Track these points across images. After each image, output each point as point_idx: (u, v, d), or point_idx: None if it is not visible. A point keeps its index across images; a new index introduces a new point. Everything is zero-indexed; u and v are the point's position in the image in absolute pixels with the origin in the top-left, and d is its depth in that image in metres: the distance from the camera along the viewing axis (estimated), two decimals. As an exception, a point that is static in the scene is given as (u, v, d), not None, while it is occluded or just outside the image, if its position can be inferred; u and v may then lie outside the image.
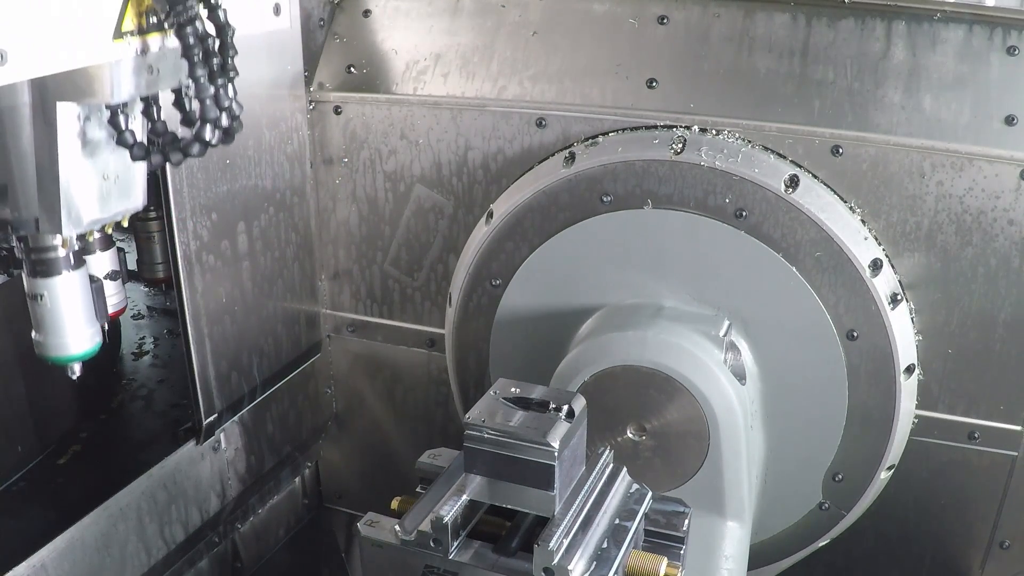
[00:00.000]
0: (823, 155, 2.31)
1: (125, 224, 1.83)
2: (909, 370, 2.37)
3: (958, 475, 2.50)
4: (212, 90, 1.52)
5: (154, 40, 1.52)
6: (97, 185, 1.67)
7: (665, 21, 2.49)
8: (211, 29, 1.51)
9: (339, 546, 3.30)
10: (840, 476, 2.46)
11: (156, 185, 2.23)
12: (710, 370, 2.22)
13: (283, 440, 2.91)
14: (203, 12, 1.49)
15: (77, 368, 1.92)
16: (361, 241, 2.87)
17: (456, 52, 2.65)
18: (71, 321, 1.85)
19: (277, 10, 1.78)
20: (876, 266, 2.29)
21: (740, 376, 2.30)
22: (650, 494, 1.81)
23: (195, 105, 1.54)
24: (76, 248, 1.82)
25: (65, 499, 2.47)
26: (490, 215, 2.59)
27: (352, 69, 2.74)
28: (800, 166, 2.33)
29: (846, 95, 2.32)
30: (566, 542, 1.58)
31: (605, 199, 2.41)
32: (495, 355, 2.67)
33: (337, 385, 3.13)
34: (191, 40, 1.47)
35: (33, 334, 1.87)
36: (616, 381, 2.27)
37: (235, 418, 2.66)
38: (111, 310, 2.38)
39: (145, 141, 1.66)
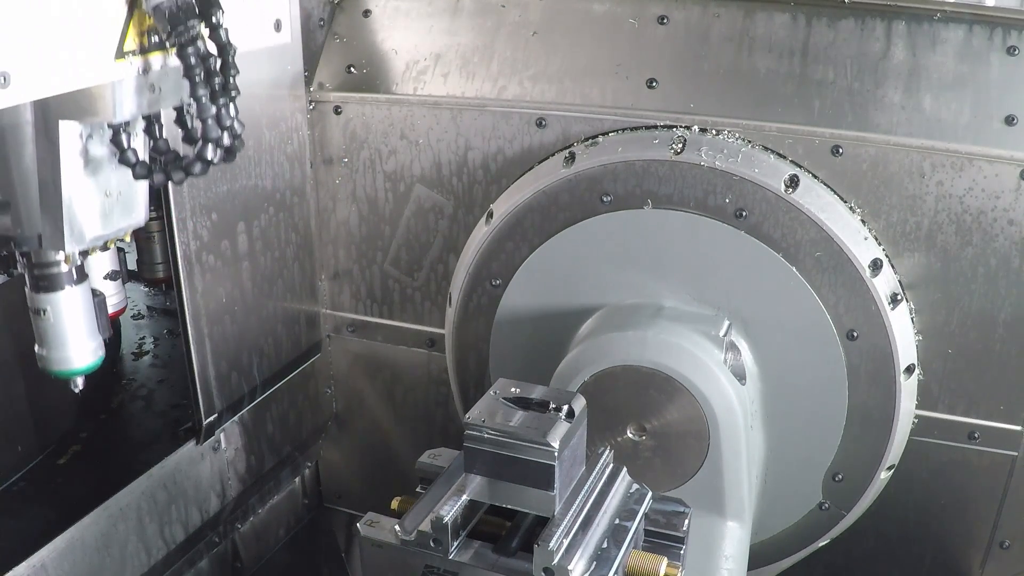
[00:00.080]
0: (823, 155, 2.31)
1: (127, 239, 1.84)
2: (909, 370, 2.37)
3: (958, 475, 2.50)
4: (214, 110, 1.53)
5: (156, 59, 1.53)
6: (99, 202, 1.69)
7: (665, 21, 2.49)
8: (212, 48, 1.52)
9: (339, 546, 3.30)
10: (840, 476, 2.46)
11: (156, 185, 2.23)
12: (710, 370, 2.22)
13: (283, 440, 2.91)
14: (204, 31, 1.50)
15: (80, 382, 1.94)
16: (361, 241, 2.87)
17: (456, 52, 2.65)
18: (74, 335, 1.87)
19: (278, 26, 1.78)
20: (876, 266, 2.29)
21: (740, 376, 2.30)
22: (650, 494, 1.81)
23: (197, 123, 1.55)
24: (79, 263, 1.84)
25: (65, 499, 2.47)
26: (490, 215, 2.59)
27: (352, 69, 2.74)
28: (800, 166, 2.33)
29: (846, 95, 2.32)
30: (566, 542, 1.58)
31: (605, 199, 2.41)
32: (495, 355, 2.67)
33: (337, 385, 3.13)
34: (193, 60, 1.47)
35: (36, 348, 1.89)
36: (616, 381, 2.27)
37: (235, 418, 2.66)
38: (111, 310, 2.38)
39: (147, 159, 1.67)
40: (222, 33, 1.52)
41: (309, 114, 2.75)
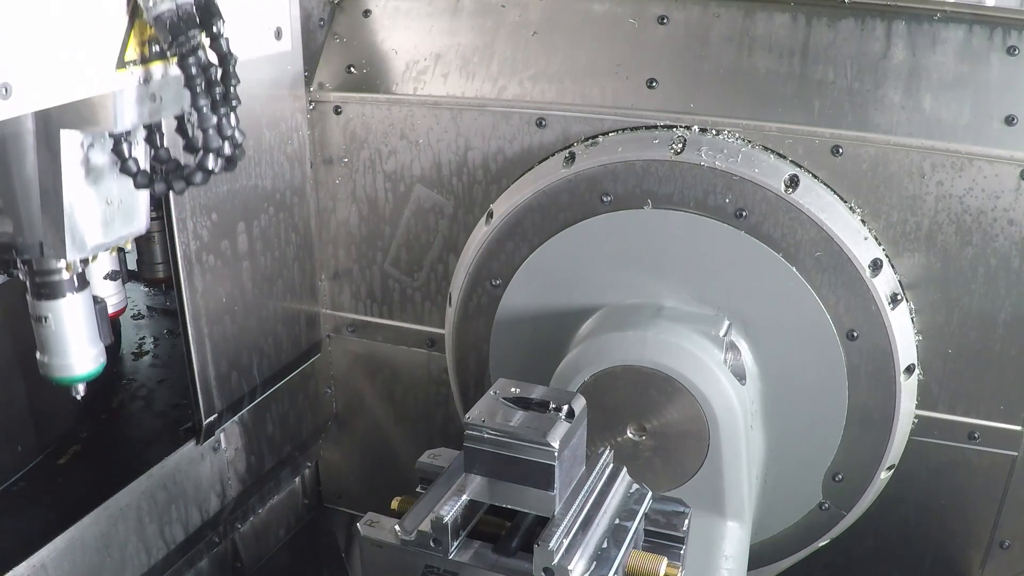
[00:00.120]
0: (823, 155, 2.31)
1: (128, 247, 1.85)
2: (909, 370, 2.37)
3: (958, 475, 2.50)
4: (215, 119, 1.53)
5: (157, 68, 1.53)
6: (101, 210, 1.69)
7: (665, 21, 2.49)
8: (213, 57, 1.52)
9: (339, 546, 3.30)
10: (840, 476, 2.46)
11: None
12: (710, 370, 2.22)
13: (283, 440, 2.91)
14: (205, 41, 1.50)
15: (81, 388, 1.95)
16: (361, 241, 2.87)
17: (456, 52, 2.65)
18: (75, 342, 1.88)
19: (279, 34, 1.79)
20: (876, 266, 2.29)
21: (740, 376, 2.30)
22: (650, 494, 1.81)
23: (198, 132, 1.55)
24: (80, 271, 1.84)
25: (65, 499, 2.47)
26: (490, 215, 2.59)
27: (352, 69, 2.74)
28: (800, 166, 2.33)
29: (846, 95, 2.32)
30: (566, 542, 1.58)
31: (605, 199, 2.41)
32: (495, 355, 2.67)
33: (337, 385, 3.13)
34: (194, 71, 1.47)
35: (37, 355, 1.90)
36: (616, 381, 2.27)
37: (235, 418, 2.66)
38: (111, 310, 2.38)
39: (148, 168, 1.68)
40: (223, 43, 1.52)
41: (309, 114, 2.75)
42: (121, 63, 1.47)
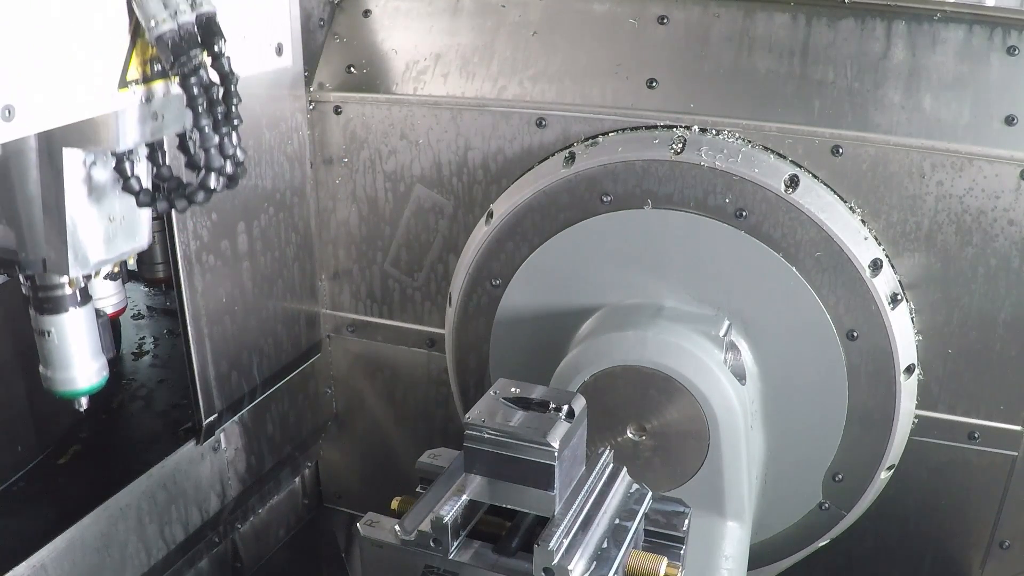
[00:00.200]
0: (823, 155, 2.31)
1: (131, 263, 1.85)
2: (909, 370, 2.37)
3: (958, 475, 2.50)
4: (216, 139, 1.54)
5: (159, 87, 1.54)
6: (103, 227, 1.70)
7: (665, 21, 2.49)
8: (214, 77, 1.52)
9: (339, 546, 3.30)
10: (840, 476, 2.46)
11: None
12: (710, 370, 2.22)
13: (283, 440, 2.91)
14: (207, 59, 1.50)
15: (84, 401, 1.96)
16: (361, 241, 2.87)
17: (456, 52, 2.65)
18: (78, 356, 1.89)
19: (280, 50, 1.79)
20: (876, 266, 2.29)
21: (740, 376, 2.30)
22: (650, 494, 1.81)
23: (199, 151, 1.56)
24: (82, 285, 1.85)
25: (65, 499, 2.47)
26: (490, 215, 2.59)
27: (352, 69, 2.74)
28: (800, 166, 2.33)
29: (846, 95, 2.32)
30: (566, 542, 1.58)
31: (605, 199, 2.41)
32: (495, 355, 2.67)
33: (337, 385, 3.13)
34: (195, 90, 1.48)
35: (40, 368, 1.91)
36: (616, 381, 2.27)
37: (235, 418, 2.66)
38: (111, 310, 2.38)
39: (150, 186, 1.68)
40: (224, 62, 1.52)
41: (309, 114, 2.75)
42: (123, 83, 1.47)
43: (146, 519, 2.38)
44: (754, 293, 2.36)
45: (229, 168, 1.58)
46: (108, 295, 2.46)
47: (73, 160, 1.60)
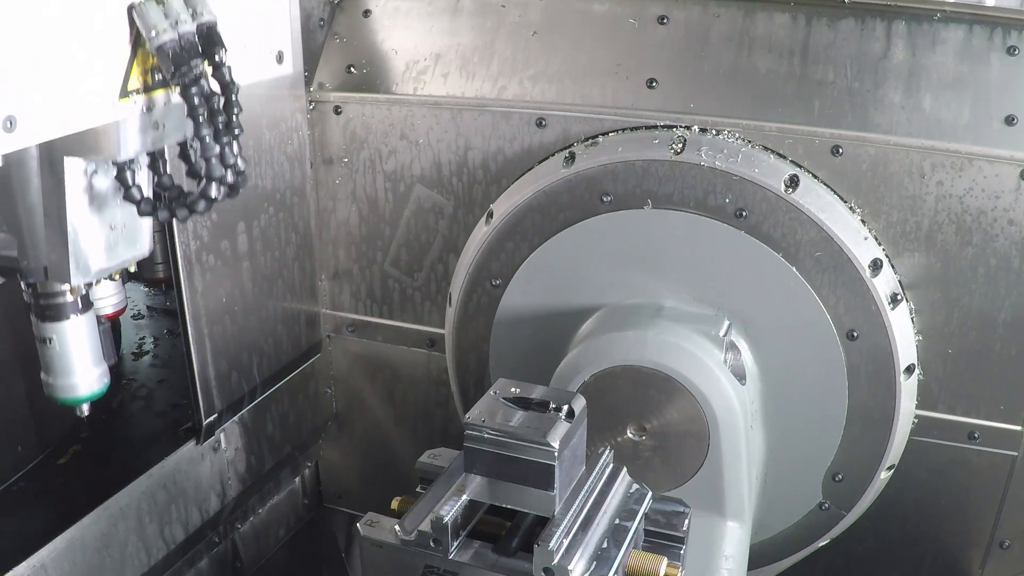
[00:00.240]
0: (823, 155, 2.31)
1: (132, 269, 1.87)
2: (909, 370, 2.37)
3: (958, 475, 2.50)
4: (217, 149, 1.54)
5: (159, 96, 1.54)
6: (104, 235, 1.71)
7: (665, 21, 2.49)
8: (215, 86, 1.52)
9: (339, 546, 3.30)
10: (840, 476, 2.46)
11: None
12: (710, 370, 2.22)
13: (283, 440, 2.91)
14: (207, 69, 1.51)
15: (86, 408, 1.97)
16: (361, 241, 2.87)
17: (456, 52, 2.65)
18: (80, 363, 1.90)
19: (280, 58, 1.80)
20: (876, 266, 2.29)
21: (740, 376, 2.30)
22: (650, 494, 1.81)
23: (200, 160, 1.57)
24: (83, 292, 1.86)
25: (65, 499, 2.47)
26: (490, 215, 2.59)
27: (352, 69, 2.74)
28: (800, 166, 2.33)
29: (846, 95, 2.32)
30: (566, 542, 1.58)
31: (605, 199, 2.41)
32: (495, 355, 2.67)
33: (337, 385, 3.13)
34: (196, 100, 1.48)
35: (42, 375, 1.92)
36: (616, 381, 2.27)
37: (235, 418, 2.66)
38: (111, 310, 2.39)
39: (151, 194, 1.69)
40: (225, 71, 1.53)
41: (309, 114, 2.75)
42: (124, 92, 1.47)
43: (146, 519, 2.38)
44: (754, 293, 2.36)
45: (230, 177, 1.58)
46: (108, 295, 2.47)
47: (74, 169, 1.60)
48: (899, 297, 2.34)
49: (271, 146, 2.60)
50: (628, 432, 2.32)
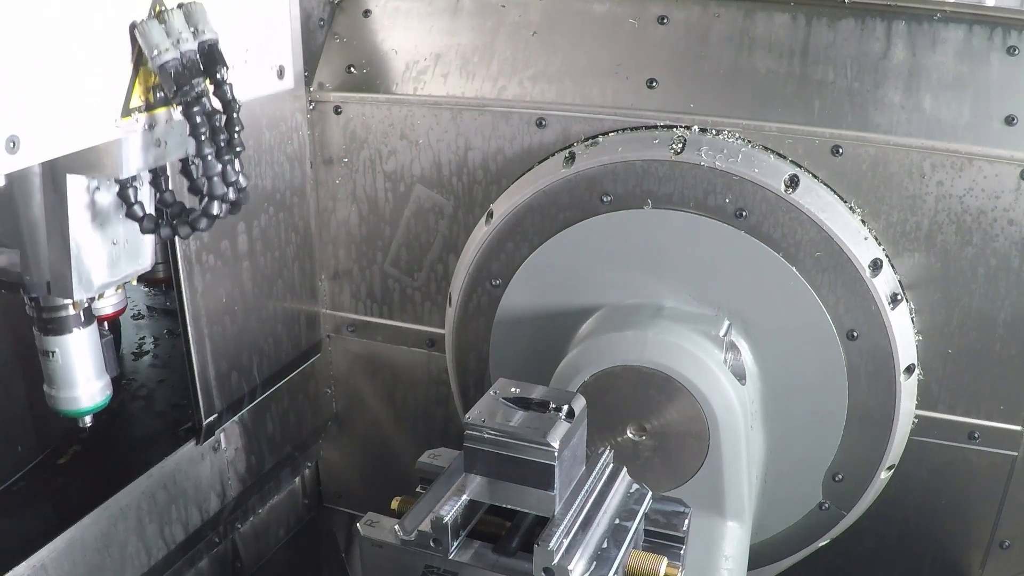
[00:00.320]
0: (823, 155, 2.31)
1: (135, 283, 1.88)
2: (909, 370, 2.37)
3: (958, 475, 2.50)
4: (219, 167, 1.54)
5: (161, 114, 1.55)
6: (107, 251, 1.72)
7: (665, 21, 2.49)
8: (217, 104, 1.53)
9: (339, 546, 3.30)
10: (840, 476, 2.46)
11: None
12: (710, 370, 2.22)
13: (283, 440, 2.91)
14: (209, 87, 1.51)
15: (88, 420, 1.97)
16: (361, 241, 2.87)
17: (456, 52, 2.65)
18: (82, 376, 1.91)
19: (281, 73, 1.82)
20: (876, 266, 2.29)
21: (740, 376, 2.30)
22: (650, 494, 1.81)
23: (202, 179, 1.57)
24: (86, 306, 1.86)
25: (65, 499, 2.47)
26: (490, 215, 2.59)
27: (352, 69, 2.74)
28: (800, 166, 2.33)
29: (846, 95, 2.32)
30: (566, 542, 1.58)
31: (605, 199, 2.41)
32: (495, 355, 2.67)
33: (337, 385, 3.13)
34: (198, 119, 1.49)
35: (44, 387, 1.93)
36: (616, 381, 2.27)
37: (235, 418, 2.66)
38: (111, 310, 2.38)
39: (153, 210, 1.70)
40: (227, 90, 1.53)
41: (309, 114, 2.75)
42: (126, 111, 1.48)
43: (146, 519, 2.38)
44: (754, 293, 2.36)
45: (232, 195, 1.59)
46: (108, 296, 2.46)
47: (77, 186, 1.61)
48: (899, 297, 2.34)
49: (271, 146, 2.60)
50: (628, 432, 2.31)
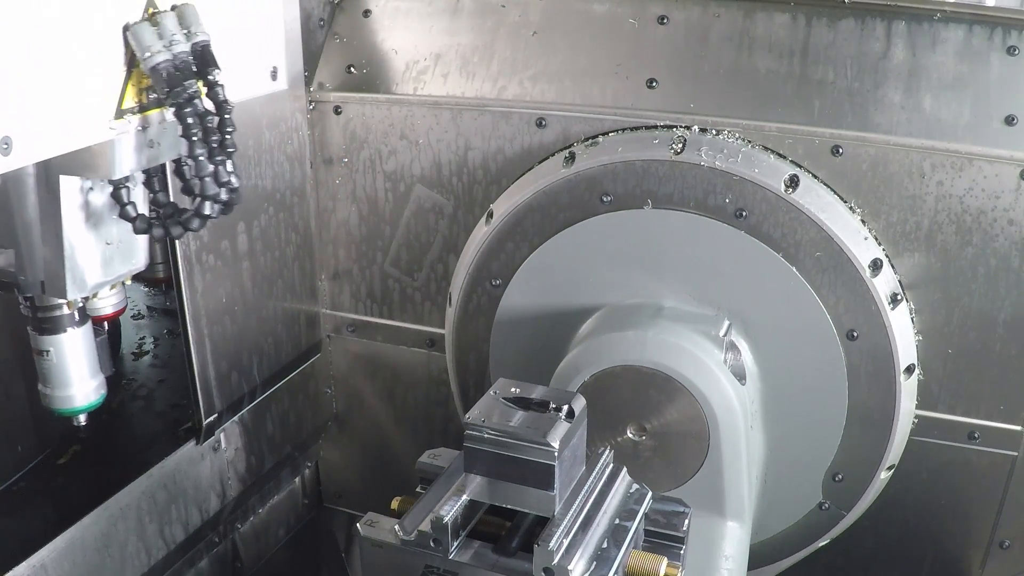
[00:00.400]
0: (823, 155, 2.31)
1: (128, 282, 1.89)
2: (909, 370, 2.37)
3: (958, 475, 2.50)
4: (211, 168, 1.55)
5: (154, 116, 1.55)
6: (100, 251, 1.72)
7: (665, 21, 2.49)
8: (209, 105, 1.53)
9: (339, 546, 3.30)
10: (840, 476, 2.46)
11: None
12: (710, 370, 2.22)
13: (283, 440, 2.91)
14: (202, 88, 1.52)
15: (83, 419, 1.98)
16: (361, 241, 2.87)
17: (456, 52, 2.65)
18: (76, 375, 1.92)
19: (275, 74, 1.83)
20: (876, 266, 2.29)
21: (740, 376, 2.30)
22: (650, 494, 1.81)
23: (195, 179, 1.58)
24: (80, 305, 1.86)
25: (65, 499, 2.47)
26: (490, 215, 2.59)
27: (352, 69, 2.74)
28: (800, 166, 2.33)
29: (846, 95, 2.32)
30: (566, 542, 1.58)
31: (605, 199, 2.41)
32: (495, 355, 2.67)
33: (337, 385, 3.13)
34: (190, 120, 1.49)
35: (39, 386, 1.93)
36: (616, 381, 2.27)
37: (235, 418, 2.66)
38: (112, 310, 2.39)
39: (147, 211, 1.70)
40: (219, 91, 1.53)
41: (309, 114, 2.75)
42: (119, 113, 1.48)
43: (146, 519, 2.38)
44: (754, 293, 2.36)
45: (224, 196, 1.60)
46: (108, 296, 2.46)
47: (70, 187, 1.62)
48: (899, 297, 2.34)
49: (271, 146, 2.60)
50: (628, 432, 2.31)
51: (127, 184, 1.64)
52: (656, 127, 2.43)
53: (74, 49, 1.37)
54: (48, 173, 1.60)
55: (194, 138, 1.51)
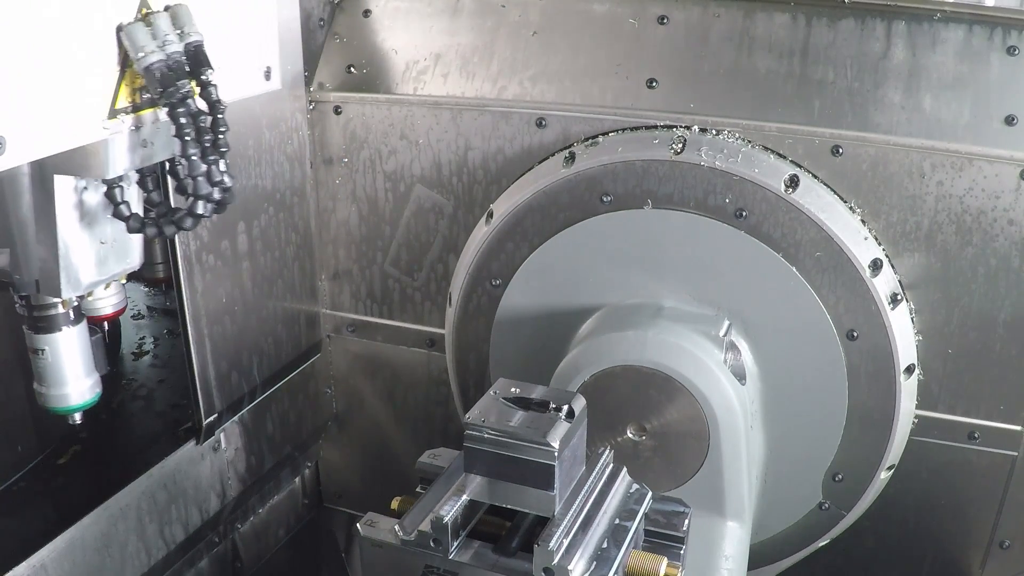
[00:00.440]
0: (823, 155, 2.31)
1: (124, 282, 1.89)
2: (909, 370, 2.37)
3: (958, 475, 2.50)
4: (204, 168, 1.56)
5: (148, 115, 1.56)
6: (95, 250, 1.73)
7: (665, 21, 2.49)
8: (203, 105, 1.53)
9: (339, 546, 3.30)
10: (840, 476, 2.46)
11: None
12: (710, 370, 2.22)
13: (283, 440, 2.91)
14: (195, 88, 1.52)
15: (78, 417, 1.98)
16: (361, 241, 2.87)
17: (456, 52, 2.65)
18: (72, 374, 1.93)
19: (268, 74, 1.83)
20: (876, 266, 2.29)
21: (740, 376, 2.30)
22: (650, 494, 1.81)
23: (188, 179, 1.58)
24: (75, 304, 1.87)
25: (65, 499, 2.47)
26: (490, 215, 2.59)
27: (352, 69, 2.74)
28: (800, 166, 2.33)
29: (846, 95, 2.32)
30: (566, 542, 1.58)
31: (605, 199, 2.41)
32: (495, 355, 2.67)
33: (337, 385, 3.13)
34: (183, 120, 1.50)
35: (35, 385, 1.93)
36: (616, 381, 2.27)
37: (235, 418, 2.66)
38: (111, 310, 2.39)
39: (141, 210, 1.70)
40: (212, 91, 1.54)
41: (309, 114, 2.75)
42: (112, 112, 1.49)
43: (146, 519, 2.38)
44: (754, 293, 2.36)
45: (217, 195, 1.60)
46: (108, 295, 2.46)
47: (64, 187, 1.62)
48: (899, 297, 2.34)
49: (271, 146, 2.60)
50: (628, 432, 2.31)
51: (121, 183, 1.64)
52: (656, 127, 2.43)
53: (68, 50, 1.37)
54: (42, 172, 1.60)
55: (187, 138, 1.52)
